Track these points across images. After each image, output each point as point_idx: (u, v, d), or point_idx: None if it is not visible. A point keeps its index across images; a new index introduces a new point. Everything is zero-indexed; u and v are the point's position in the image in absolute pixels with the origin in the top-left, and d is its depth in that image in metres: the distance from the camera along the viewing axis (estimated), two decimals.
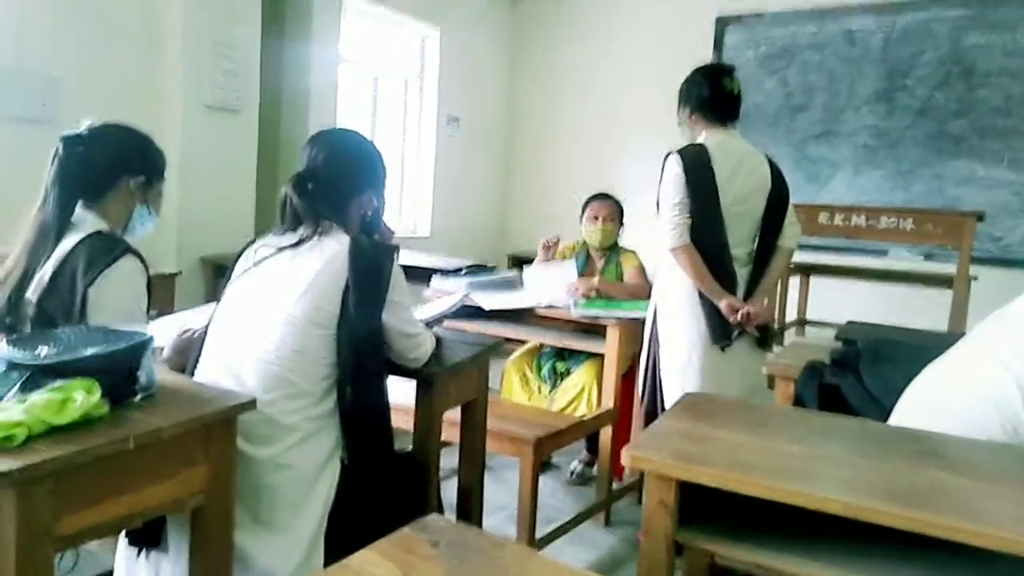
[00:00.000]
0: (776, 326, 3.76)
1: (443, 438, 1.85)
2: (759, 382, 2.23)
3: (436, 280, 3.05)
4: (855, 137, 4.94)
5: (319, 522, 1.48)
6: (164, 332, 1.66)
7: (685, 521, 1.22)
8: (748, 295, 2.34)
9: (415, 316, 1.70)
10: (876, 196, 4.83)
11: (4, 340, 1.24)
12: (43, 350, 1.19)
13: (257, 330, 1.50)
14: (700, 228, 2.26)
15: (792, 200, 2.43)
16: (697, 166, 2.26)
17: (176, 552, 1.39)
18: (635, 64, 5.51)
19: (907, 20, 4.76)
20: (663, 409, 2.53)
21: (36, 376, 1.15)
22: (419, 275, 3.04)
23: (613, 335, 2.71)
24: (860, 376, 1.86)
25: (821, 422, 1.46)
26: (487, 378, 2.03)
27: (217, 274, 3.85)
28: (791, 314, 4.33)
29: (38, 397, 1.11)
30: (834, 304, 4.40)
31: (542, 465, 2.67)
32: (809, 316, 4.52)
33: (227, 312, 1.58)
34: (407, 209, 5.54)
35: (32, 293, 1.46)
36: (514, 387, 3.15)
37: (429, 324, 1.91)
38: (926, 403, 1.52)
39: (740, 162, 2.32)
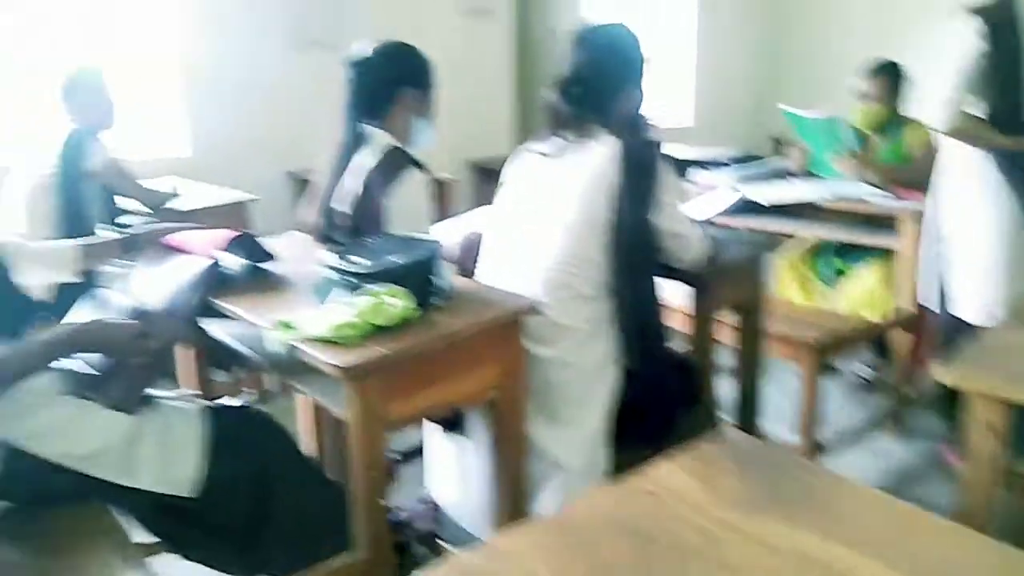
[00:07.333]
0: None
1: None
2: None
3: (700, 174, 2.90)
4: None
5: (602, 420, 1.54)
6: (447, 234, 1.79)
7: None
8: None
9: (686, 215, 1.63)
10: None
11: (330, 249, 1.42)
12: (361, 259, 1.34)
13: (535, 238, 1.55)
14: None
15: None
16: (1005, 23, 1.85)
17: (477, 438, 1.55)
18: None
19: None
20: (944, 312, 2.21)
21: (357, 283, 1.31)
22: (680, 169, 2.91)
23: (908, 228, 2.37)
24: None
25: None
26: (763, 279, 1.91)
27: (483, 177, 4.06)
28: None
29: (361, 301, 1.26)
30: None
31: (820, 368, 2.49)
32: None
33: (504, 220, 1.65)
34: (666, 97, 5.17)
35: (339, 204, 1.65)
36: (791, 287, 2.94)
37: (705, 224, 1.83)
38: None
39: None
